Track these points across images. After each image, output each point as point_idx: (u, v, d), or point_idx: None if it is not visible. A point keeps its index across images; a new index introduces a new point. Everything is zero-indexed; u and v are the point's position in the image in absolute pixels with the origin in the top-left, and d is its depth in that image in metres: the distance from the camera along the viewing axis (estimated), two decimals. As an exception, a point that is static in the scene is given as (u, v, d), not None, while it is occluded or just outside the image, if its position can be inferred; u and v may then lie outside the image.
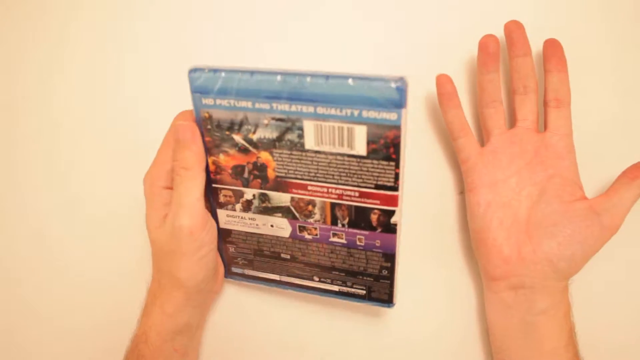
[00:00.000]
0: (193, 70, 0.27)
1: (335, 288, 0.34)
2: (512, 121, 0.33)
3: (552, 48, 0.31)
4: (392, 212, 0.29)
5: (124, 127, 0.37)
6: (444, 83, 0.32)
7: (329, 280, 0.33)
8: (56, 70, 0.36)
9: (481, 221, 0.33)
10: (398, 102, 0.24)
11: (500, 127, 0.33)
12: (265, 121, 0.27)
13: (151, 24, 0.34)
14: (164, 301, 0.32)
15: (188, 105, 0.30)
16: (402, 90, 0.24)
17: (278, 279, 0.35)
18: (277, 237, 0.32)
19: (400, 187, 0.28)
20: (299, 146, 0.28)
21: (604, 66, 0.33)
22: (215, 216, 0.33)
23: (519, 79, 0.32)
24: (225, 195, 0.32)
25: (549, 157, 0.32)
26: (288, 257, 0.33)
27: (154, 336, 0.32)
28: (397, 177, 0.27)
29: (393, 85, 0.24)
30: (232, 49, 0.34)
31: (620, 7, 0.33)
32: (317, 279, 0.34)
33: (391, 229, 0.29)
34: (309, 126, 0.27)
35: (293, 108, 0.26)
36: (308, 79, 0.26)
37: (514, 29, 0.31)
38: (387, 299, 0.33)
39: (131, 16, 0.33)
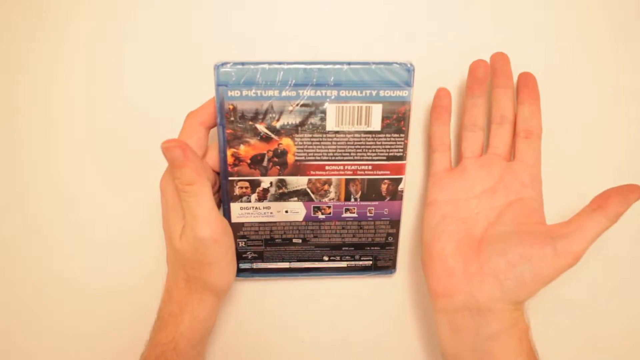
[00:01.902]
0: (220, 65, 0.29)
1: (344, 264, 0.37)
2: (486, 148, 0.34)
3: (525, 80, 0.32)
4: (400, 180, 0.34)
5: (126, 128, 0.36)
6: (442, 97, 0.33)
7: (338, 258, 0.36)
8: (56, 69, 0.34)
9: (432, 232, 0.33)
10: (408, 81, 0.30)
11: (475, 151, 0.33)
12: (290, 108, 0.31)
13: (152, 23, 0.34)
14: (195, 308, 0.32)
15: (192, 104, 0.32)
16: (411, 72, 0.30)
17: (288, 266, 0.37)
18: (291, 222, 0.35)
19: (407, 157, 0.33)
20: (320, 129, 0.31)
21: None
22: (227, 211, 0.34)
23: (497, 109, 0.33)
24: (242, 187, 0.33)
25: (513, 184, 0.32)
26: (300, 241, 0.36)
27: (184, 343, 0.31)
28: (405, 147, 0.32)
29: (405, 67, 0.30)
30: (234, 46, 0.35)
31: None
32: (326, 259, 0.37)
33: (398, 195, 0.34)
34: (331, 109, 0.31)
35: (318, 93, 0.30)
36: (330, 66, 0.30)
37: (499, 60, 0.32)
38: (390, 266, 0.37)
39: (132, 14, 0.33)
